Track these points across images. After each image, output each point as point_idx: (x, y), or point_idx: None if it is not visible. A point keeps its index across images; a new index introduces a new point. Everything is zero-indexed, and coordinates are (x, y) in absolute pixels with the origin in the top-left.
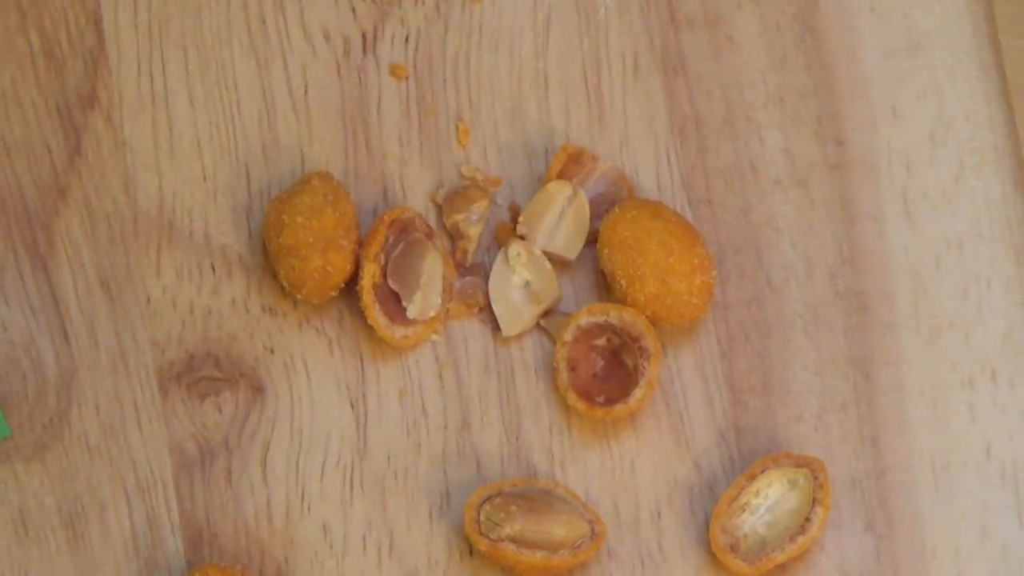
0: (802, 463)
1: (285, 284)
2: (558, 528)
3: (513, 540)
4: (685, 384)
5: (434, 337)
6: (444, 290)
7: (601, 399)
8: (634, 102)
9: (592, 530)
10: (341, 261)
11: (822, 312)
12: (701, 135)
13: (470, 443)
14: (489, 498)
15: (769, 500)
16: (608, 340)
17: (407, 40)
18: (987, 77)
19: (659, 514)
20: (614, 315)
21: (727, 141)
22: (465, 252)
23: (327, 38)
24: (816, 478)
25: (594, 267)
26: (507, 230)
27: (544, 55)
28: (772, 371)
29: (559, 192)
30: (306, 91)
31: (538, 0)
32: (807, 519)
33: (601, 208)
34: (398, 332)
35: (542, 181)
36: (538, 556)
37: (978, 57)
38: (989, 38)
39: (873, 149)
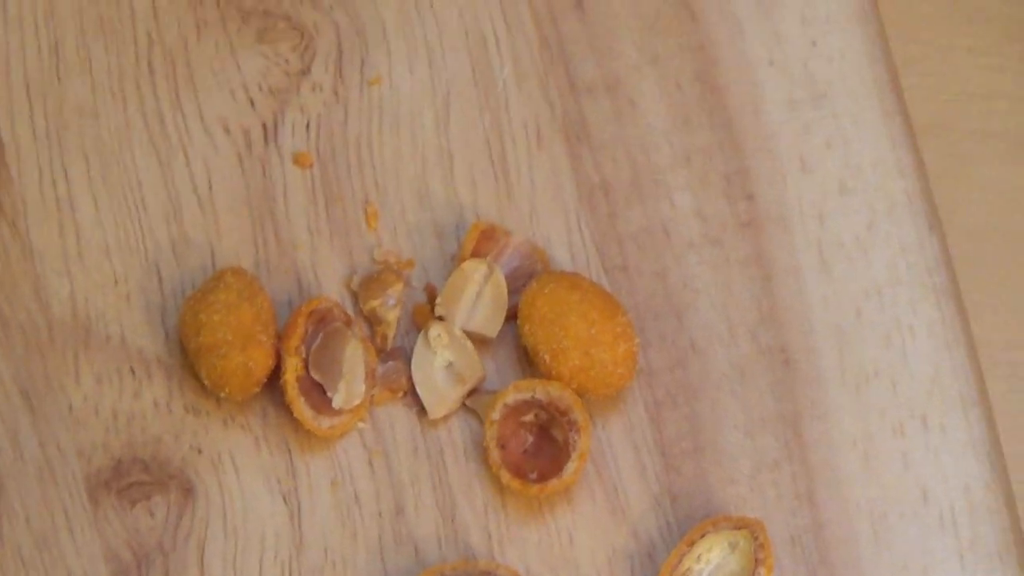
0: (741, 524)
1: (207, 383)
2: None
3: None
4: (616, 453)
5: (361, 425)
6: (367, 377)
7: (534, 475)
8: (540, 172)
9: None
10: (262, 357)
11: (747, 371)
12: (610, 201)
13: (406, 529)
14: None
15: (711, 565)
16: (536, 416)
17: (308, 127)
18: (891, 122)
19: None
20: (540, 390)
21: (637, 205)
22: (385, 337)
23: (227, 131)
24: (756, 538)
25: (516, 343)
26: (425, 312)
27: (446, 131)
28: (702, 434)
29: (474, 271)
30: (211, 186)
31: (436, 76)
32: None
33: (518, 283)
34: (324, 423)
35: (456, 260)
36: None
37: (880, 103)
38: (890, 82)
39: (784, 202)
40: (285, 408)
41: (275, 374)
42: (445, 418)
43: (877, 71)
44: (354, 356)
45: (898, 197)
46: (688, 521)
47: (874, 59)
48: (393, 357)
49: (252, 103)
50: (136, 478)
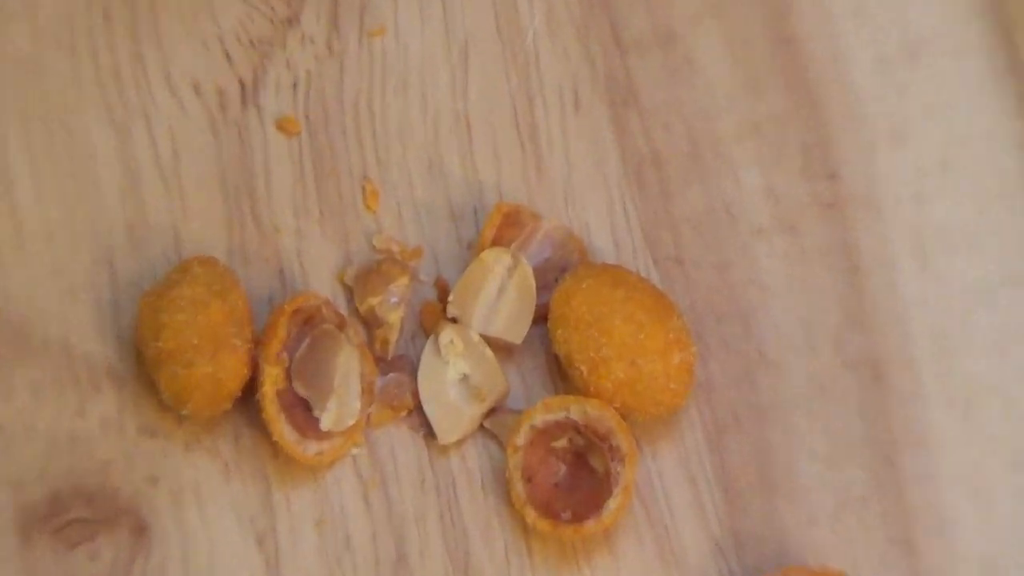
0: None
1: (167, 398)
2: None
3: None
4: (668, 487)
5: (355, 451)
6: (363, 392)
7: (567, 514)
8: (578, 144)
9: None
10: (235, 365)
11: (829, 387)
12: (662, 178)
13: None
14: None
15: None
16: (570, 441)
17: (295, 87)
18: (1003, 85)
19: None
20: (576, 410)
21: (694, 183)
22: (386, 343)
23: (197, 91)
24: None
25: (546, 351)
26: (435, 313)
27: (463, 94)
28: (773, 464)
29: (496, 262)
30: (176, 157)
31: (451, 27)
32: None
33: (549, 277)
34: (310, 448)
35: (473, 249)
36: None
37: (989, 61)
38: (1002, 36)
39: (873, 181)
40: (262, 429)
41: (251, 387)
42: (459, 443)
43: (986, 23)
44: (348, 366)
45: (1012, 176)
46: (756, 571)
47: (982, 8)
48: (396, 368)
49: (228, 57)
50: (77, 514)
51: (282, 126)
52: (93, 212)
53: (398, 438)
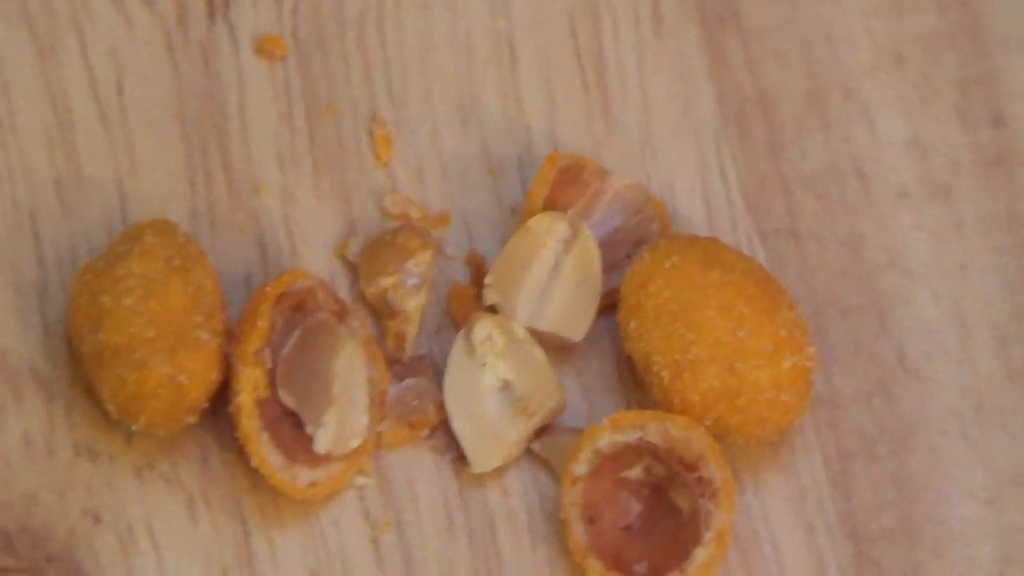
0: None
1: (111, 409)
2: None
3: None
4: (776, 533)
5: (360, 481)
6: (372, 404)
7: (641, 567)
8: (659, 77)
9: None
10: (200, 366)
11: (990, 404)
12: (771, 124)
13: None
14: None
15: None
16: (646, 471)
17: None
18: None
19: None
20: (654, 429)
21: (815, 131)
22: (401, 339)
23: (148, 2)
24: None
25: (615, 351)
26: (467, 299)
27: (504, 8)
28: (916, 503)
29: (548, 232)
30: (120, 89)
31: None
32: None
33: (619, 254)
34: (301, 477)
35: (519, 215)
36: None
37: None
38: None
39: None
40: (238, 451)
41: (222, 395)
42: (499, 471)
43: None
44: (350, 368)
45: None
46: None
47: None
48: (415, 371)
49: None
50: None
51: (262, 48)
52: (11, 163)
53: (418, 465)
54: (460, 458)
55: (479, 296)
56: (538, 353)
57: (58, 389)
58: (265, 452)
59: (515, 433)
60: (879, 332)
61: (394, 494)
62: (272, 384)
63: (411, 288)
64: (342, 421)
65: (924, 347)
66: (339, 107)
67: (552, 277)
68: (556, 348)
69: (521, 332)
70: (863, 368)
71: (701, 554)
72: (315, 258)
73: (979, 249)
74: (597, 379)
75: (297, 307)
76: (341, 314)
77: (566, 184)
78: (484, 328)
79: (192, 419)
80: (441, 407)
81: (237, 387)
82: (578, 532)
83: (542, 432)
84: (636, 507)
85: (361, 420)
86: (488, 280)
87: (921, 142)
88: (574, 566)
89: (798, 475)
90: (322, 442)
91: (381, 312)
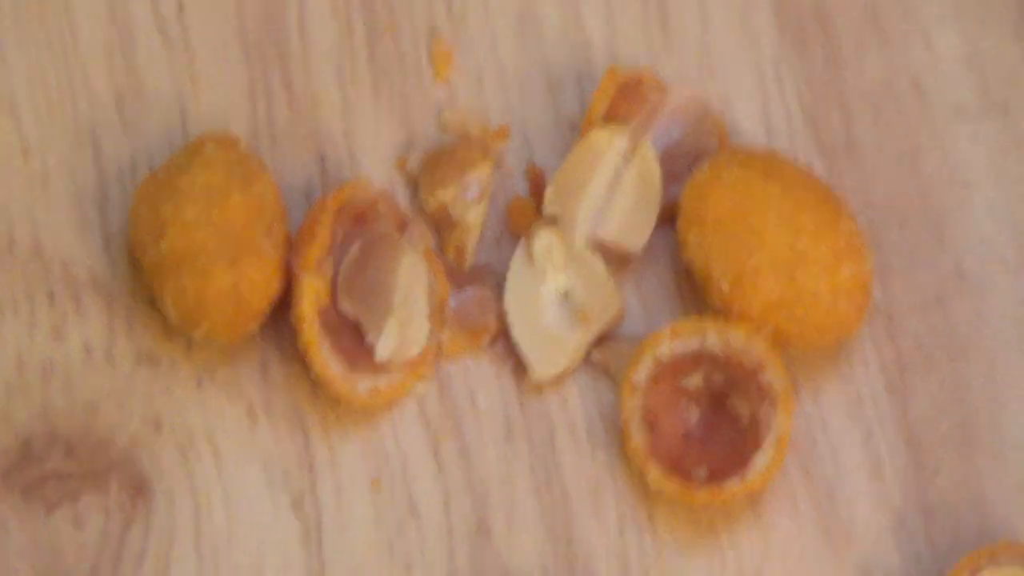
0: None
1: (172, 318)
2: None
3: None
4: (834, 441)
5: (421, 388)
6: (432, 313)
7: (701, 473)
8: None
9: None
10: (262, 275)
11: None
12: (830, 37)
13: (492, 558)
14: None
15: None
16: (706, 378)
17: None
18: None
19: None
20: (714, 337)
21: (873, 46)
22: (461, 250)
23: None
24: None
25: (674, 262)
26: (527, 211)
27: None
28: (973, 412)
29: (608, 145)
30: (181, 6)
31: None
32: None
33: (679, 166)
34: (362, 384)
35: (578, 129)
36: None
37: None
38: None
39: None
40: (298, 359)
41: (283, 304)
42: (558, 380)
43: None
44: (411, 278)
45: None
46: (951, 550)
47: None
48: (475, 281)
49: None
50: (54, 466)
51: None
52: (71, 77)
53: (478, 373)
54: (520, 367)
55: (539, 208)
56: (598, 263)
57: (119, 299)
58: (326, 360)
59: (575, 342)
60: (936, 244)
61: (454, 402)
62: (333, 294)
63: (471, 200)
64: (403, 329)
65: (981, 258)
66: (398, 23)
67: (612, 189)
68: (616, 259)
69: (581, 243)
70: (920, 279)
71: (761, 460)
72: (375, 172)
73: None
74: (656, 290)
75: (358, 219)
76: (401, 226)
77: (625, 98)
78: (544, 239)
79: (253, 328)
80: (501, 317)
81: (298, 296)
82: (637, 438)
83: (601, 341)
84: (695, 414)
85: (421, 329)
86: (548, 192)
87: (979, 57)
88: (633, 472)
89: (856, 384)
90: (383, 350)
91: (441, 224)
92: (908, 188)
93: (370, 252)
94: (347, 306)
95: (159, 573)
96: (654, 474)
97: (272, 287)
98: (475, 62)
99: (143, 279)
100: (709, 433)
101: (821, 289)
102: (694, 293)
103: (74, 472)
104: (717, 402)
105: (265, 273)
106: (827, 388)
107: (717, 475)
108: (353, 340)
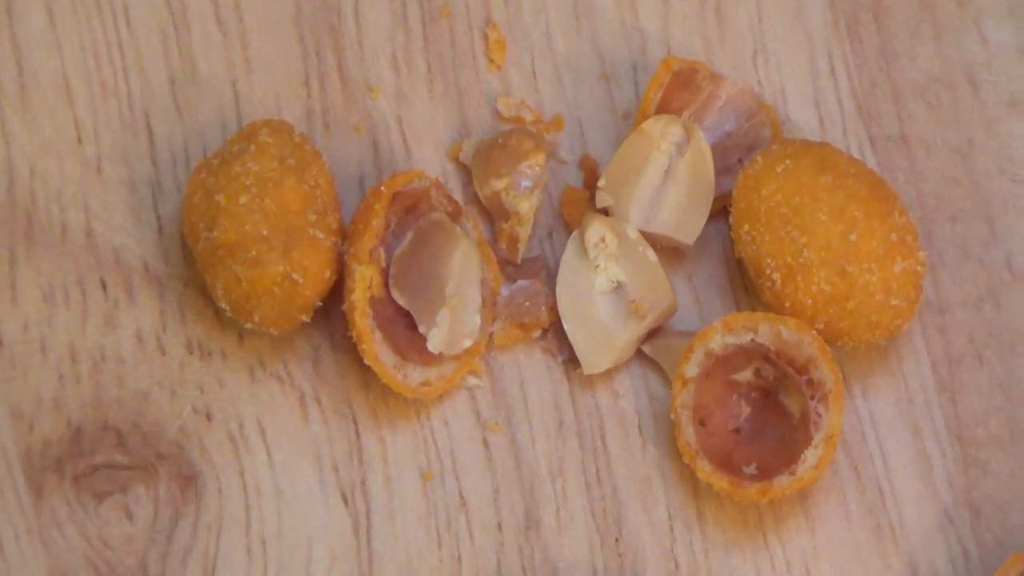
0: None
1: (224, 307)
2: None
3: None
4: (884, 437)
5: (472, 381)
6: (485, 304)
7: (751, 469)
8: None
9: None
10: (315, 265)
11: None
12: (883, 30)
13: (541, 552)
14: None
15: None
16: (757, 373)
17: None
18: None
19: None
20: (765, 331)
21: (927, 39)
22: (515, 241)
23: None
24: None
25: (727, 255)
26: (580, 202)
27: None
28: (1023, 409)
29: (662, 136)
30: None
31: None
32: None
33: (732, 158)
34: (414, 376)
35: (632, 119)
36: None
37: None
38: None
39: None
40: (351, 350)
41: (336, 294)
42: (609, 373)
43: None
44: (464, 268)
45: None
46: (1000, 548)
47: None
48: (527, 273)
49: None
50: (106, 458)
51: None
52: (125, 61)
53: (529, 366)
54: (571, 359)
55: (592, 199)
56: (650, 255)
57: (171, 287)
58: (378, 350)
59: (626, 335)
60: (988, 238)
61: (505, 395)
62: (385, 283)
63: (524, 190)
64: (455, 321)
65: None
66: (453, 10)
67: (665, 180)
68: (668, 251)
69: (634, 234)
70: (972, 274)
71: (811, 456)
72: (428, 160)
73: None
74: (708, 282)
75: (411, 207)
76: (455, 215)
77: (679, 88)
78: (597, 230)
79: (305, 318)
80: (553, 309)
81: (351, 285)
82: (688, 433)
83: (653, 334)
84: (746, 409)
85: (474, 320)
86: (601, 183)
87: None
88: (683, 467)
89: (906, 379)
90: (435, 342)
91: (494, 214)
92: (960, 182)
93: (423, 241)
94: (400, 296)
95: (208, 564)
96: (704, 470)
97: (324, 276)
98: (529, 50)
99: (195, 267)
100: (759, 428)
101: (873, 284)
102: (746, 286)
103: (125, 463)
104: (768, 397)
105: (318, 262)
106: (877, 384)
107: (767, 471)
108: (405, 330)
